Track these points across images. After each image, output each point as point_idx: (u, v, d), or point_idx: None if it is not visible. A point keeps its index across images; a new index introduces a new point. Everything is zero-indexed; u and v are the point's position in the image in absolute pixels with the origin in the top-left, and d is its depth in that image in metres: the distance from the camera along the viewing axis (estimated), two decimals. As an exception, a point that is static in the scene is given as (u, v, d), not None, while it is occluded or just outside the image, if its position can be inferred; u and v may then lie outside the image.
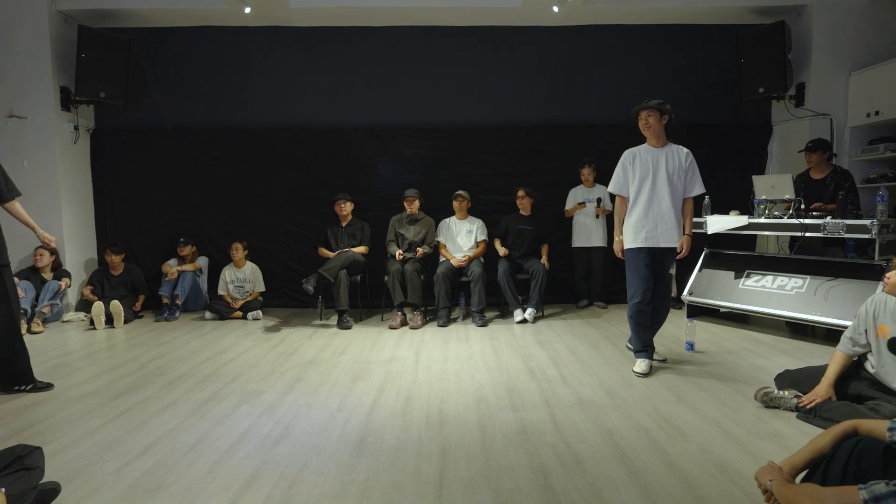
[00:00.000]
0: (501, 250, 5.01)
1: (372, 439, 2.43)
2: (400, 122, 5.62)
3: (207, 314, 5.10)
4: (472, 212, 5.26)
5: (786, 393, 2.68)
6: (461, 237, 5.11)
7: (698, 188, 3.29)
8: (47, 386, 3.17)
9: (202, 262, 5.44)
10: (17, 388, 3.10)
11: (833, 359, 2.62)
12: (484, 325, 4.69)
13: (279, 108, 5.61)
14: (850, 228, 3.71)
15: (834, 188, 4.28)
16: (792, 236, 4.64)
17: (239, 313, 5.09)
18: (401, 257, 4.83)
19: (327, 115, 5.62)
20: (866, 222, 3.63)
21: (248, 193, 5.60)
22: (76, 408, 2.85)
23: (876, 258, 3.62)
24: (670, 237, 3.25)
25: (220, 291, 5.21)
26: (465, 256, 4.92)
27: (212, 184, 5.59)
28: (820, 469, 1.60)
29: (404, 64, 5.58)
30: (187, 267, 5.28)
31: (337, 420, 2.65)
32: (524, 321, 4.76)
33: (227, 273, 5.25)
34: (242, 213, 5.60)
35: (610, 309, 5.30)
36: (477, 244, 5.09)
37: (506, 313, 5.10)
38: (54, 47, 5.05)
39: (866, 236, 3.65)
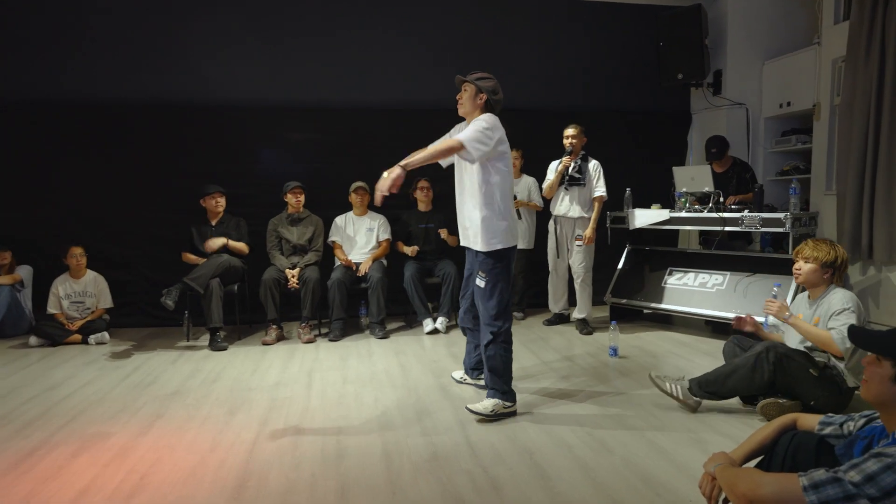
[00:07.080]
0: (409, 250, 5.03)
1: (254, 482, 2.36)
2: (285, 99, 5.46)
3: (33, 339, 4.66)
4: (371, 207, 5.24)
5: (670, 385, 3.06)
6: (360, 235, 5.08)
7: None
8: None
9: (24, 272, 4.98)
10: None
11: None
12: (385, 336, 4.70)
13: (128, 79, 5.21)
14: (765, 222, 4.18)
15: (736, 181, 4.89)
16: (703, 231, 5.15)
17: (78, 336, 4.70)
18: (293, 279, 4.70)
19: (194, 90, 5.31)
20: (780, 216, 4.11)
21: (89, 185, 5.17)
22: None
23: (790, 252, 4.09)
24: (466, 239, 3.15)
25: (52, 310, 4.78)
26: (363, 261, 4.88)
27: (36, 173, 5.09)
28: (763, 464, 1.79)
29: (289, 30, 5.40)
30: (3, 279, 4.81)
31: (209, 463, 2.54)
32: (435, 331, 4.82)
33: (61, 286, 4.82)
34: (80, 209, 5.17)
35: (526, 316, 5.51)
36: (379, 243, 5.08)
37: (414, 323, 5.13)
38: None
39: (780, 230, 4.13)
